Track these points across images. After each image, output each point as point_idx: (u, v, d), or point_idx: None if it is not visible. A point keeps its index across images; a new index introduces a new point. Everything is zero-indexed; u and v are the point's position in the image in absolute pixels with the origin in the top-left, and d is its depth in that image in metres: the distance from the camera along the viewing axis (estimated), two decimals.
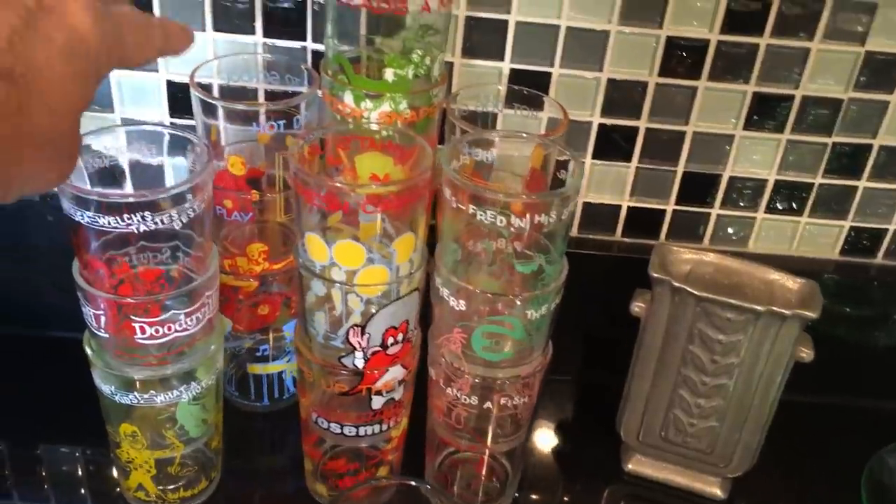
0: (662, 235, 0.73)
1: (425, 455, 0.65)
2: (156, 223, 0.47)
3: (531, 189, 0.58)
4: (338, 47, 0.56)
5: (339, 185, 0.49)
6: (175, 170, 0.53)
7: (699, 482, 0.68)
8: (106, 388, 0.54)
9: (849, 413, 0.76)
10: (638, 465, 0.69)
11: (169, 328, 0.51)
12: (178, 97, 0.67)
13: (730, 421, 0.64)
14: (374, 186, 0.50)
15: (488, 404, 0.57)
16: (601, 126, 0.68)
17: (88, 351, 0.54)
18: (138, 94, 0.67)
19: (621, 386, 0.69)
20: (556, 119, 0.63)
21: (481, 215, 0.49)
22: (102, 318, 0.51)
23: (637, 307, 0.63)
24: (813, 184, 0.70)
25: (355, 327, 0.52)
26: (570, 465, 0.70)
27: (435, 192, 0.61)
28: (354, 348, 0.53)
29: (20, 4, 0.31)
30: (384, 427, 0.58)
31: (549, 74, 0.66)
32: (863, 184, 0.70)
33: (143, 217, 0.46)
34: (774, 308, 0.58)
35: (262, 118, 0.58)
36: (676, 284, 0.59)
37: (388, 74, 0.54)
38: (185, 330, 0.52)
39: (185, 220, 0.48)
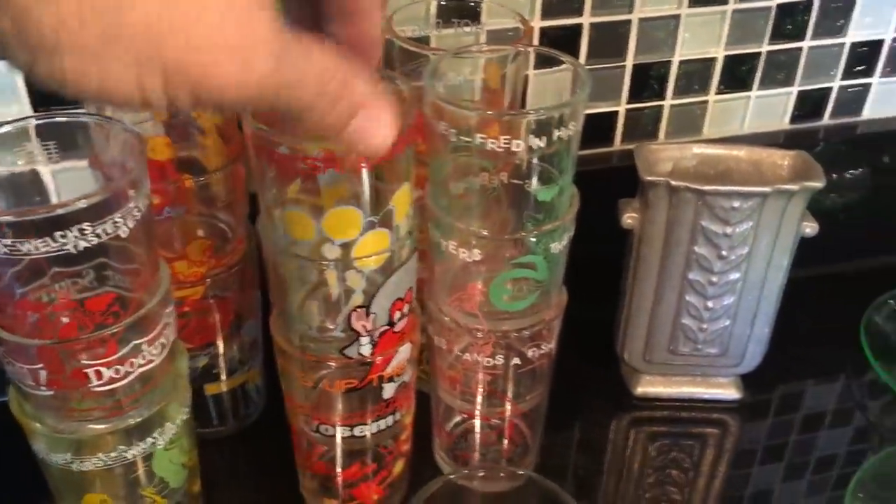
0: (617, 140, 0.68)
1: (433, 429, 0.57)
2: (98, 235, 0.36)
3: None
4: None
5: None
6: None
7: (713, 388, 0.64)
8: (58, 457, 0.43)
9: (839, 278, 0.75)
10: (647, 386, 0.64)
11: (131, 364, 0.40)
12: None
13: (741, 316, 0.60)
14: None
15: (513, 361, 0.50)
16: (542, 30, 0.61)
17: (22, 418, 0.42)
18: None
19: (611, 310, 0.64)
20: (498, 31, 0.55)
21: (491, 144, 0.41)
22: (42, 374, 0.39)
23: (630, 218, 0.57)
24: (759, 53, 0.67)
25: (358, 309, 0.44)
26: (576, 404, 0.64)
27: None
28: (360, 334, 0.44)
29: None
30: (398, 416, 0.50)
31: None
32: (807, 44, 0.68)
33: (81, 231, 0.35)
34: (782, 186, 0.54)
35: None
36: (675, 183, 0.54)
37: None
38: (150, 362, 0.41)
39: (131, 225, 0.37)
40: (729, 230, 0.55)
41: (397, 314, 0.45)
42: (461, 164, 0.45)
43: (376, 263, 0.43)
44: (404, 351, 0.47)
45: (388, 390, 0.48)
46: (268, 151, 0.40)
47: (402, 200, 0.42)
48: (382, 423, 0.49)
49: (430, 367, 0.54)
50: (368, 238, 0.41)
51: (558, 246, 0.46)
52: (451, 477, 0.45)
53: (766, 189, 0.53)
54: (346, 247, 0.41)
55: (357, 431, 0.49)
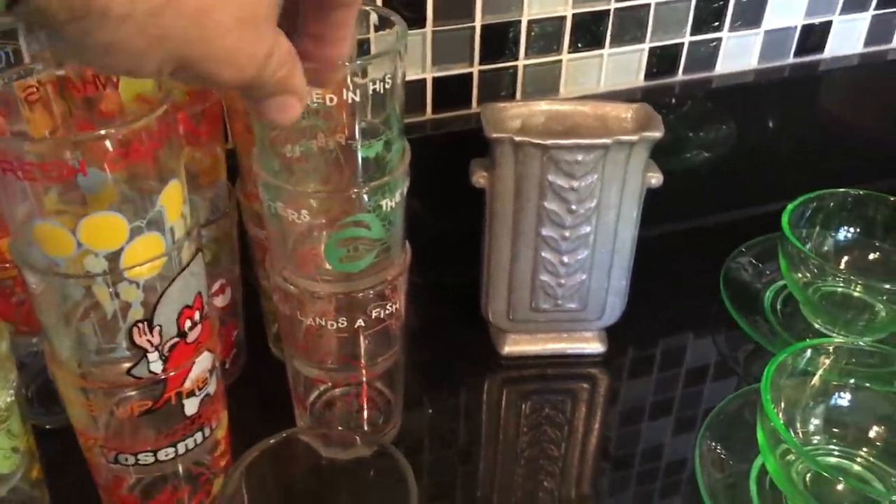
0: (474, 103, 0.68)
1: (293, 404, 0.56)
2: None
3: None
4: None
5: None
6: None
7: (578, 342, 0.65)
8: None
9: (703, 231, 0.77)
10: (514, 345, 0.65)
11: None
12: None
13: (597, 270, 0.61)
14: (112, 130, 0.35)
15: (358, 322, 0.49)
16: None
17: None
18: None
19: (475, 272, 0.64)
20: None
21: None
22: None
23: (480, 178, 0.57)
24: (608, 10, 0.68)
25: (139, 324, 0.40)
26: (445, 368, 0.64)
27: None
28: (146, 350, 0.41)
29: None
30: (207, 432, 0.46)
31: None
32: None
33: None
34: (622, 137, 0.54)
35: None
36: (518, 139, 0.54)
37: None
38: None
39: None
40: (575, 184, 0.56)
41: (187, 323, 0.42)
42: (292, 126, 0.44)
43: (151, 272, 0.39)
44: (203, 361, 0.44)
45: (191, 406, 0.44)
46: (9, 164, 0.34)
47: (171, 199, 0.38)
48: (190, 442, 0.45)
49: (282, 337, 0.53)
50: (137, 245, 0.37)
51: (390, 203, 0.46)
52: (287, 433, 0.44)
53: (607, 141, 0.54)
54: (113, 257, 0.37)
55: (162, 455, 0.45)
